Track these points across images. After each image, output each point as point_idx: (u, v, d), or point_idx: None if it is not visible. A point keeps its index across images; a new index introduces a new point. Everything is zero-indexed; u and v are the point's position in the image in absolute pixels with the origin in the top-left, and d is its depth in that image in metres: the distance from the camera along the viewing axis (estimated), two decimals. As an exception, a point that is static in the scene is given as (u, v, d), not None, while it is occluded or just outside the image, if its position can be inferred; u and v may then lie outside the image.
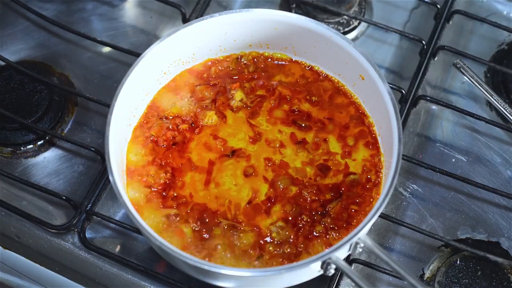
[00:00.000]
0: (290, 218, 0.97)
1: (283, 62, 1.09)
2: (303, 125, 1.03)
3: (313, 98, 1.06)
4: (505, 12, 1.28)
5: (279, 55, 1.09)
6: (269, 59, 1.09)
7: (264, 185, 1.00)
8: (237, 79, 1.07)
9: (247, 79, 1.07)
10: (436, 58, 1.20)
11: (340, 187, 0.99)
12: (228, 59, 1.09)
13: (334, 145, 1.02)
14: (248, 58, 1.09)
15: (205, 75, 1.08)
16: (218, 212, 0.97)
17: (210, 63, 1.08)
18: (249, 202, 0.98)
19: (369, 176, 1.00)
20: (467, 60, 1.17)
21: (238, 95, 1.05)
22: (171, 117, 1.04)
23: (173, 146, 1.01)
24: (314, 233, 0.96)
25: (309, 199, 0.98)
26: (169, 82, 1.06)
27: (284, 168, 1.01)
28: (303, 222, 0.96)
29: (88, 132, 1.15)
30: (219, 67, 1.08)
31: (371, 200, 0.98)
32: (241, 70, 1.08)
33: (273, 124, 1.04)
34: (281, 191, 0.99)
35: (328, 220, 0.96)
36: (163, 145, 1.01)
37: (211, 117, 1.03)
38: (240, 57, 1.09)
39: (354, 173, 1.00)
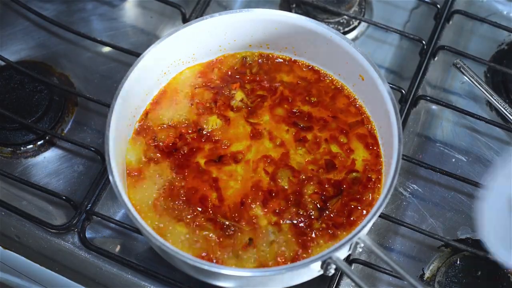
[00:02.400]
0: (289, 212, 0.97)
1: (284, 62, 1.09)
2: (303, 125, 1.03)
3: (312, 99, 1.05)
4: (505, 12, 1.28)
5: (279, 55, 1.09)
6: (272, 60, 1.09)
7: (265, 179, 0.99)
8: (238, 79, 1.07)
9: (248, 81, 1.07)
10: (436, 58, 1.20)
11: (342, 184, 0.99)
12: (232, 59, 1.09)
13: (334, 145, 1.02)
14: (254, 59, 1.09)
15: (206, 76, 1.07)
16: (218, 212, 0.97)
17: (212, 62, 1.08)
18: (245, 202, 0.98)
19: (369, 176, 1.00)
20: (467, 60, 1.17)
21: (238, 95, 1.05)
22: (171, 122, 1.03)
23: (174, 152, 1.01)
24: (314, 229, 0.96)
25: (309, 192, 0.98)
26: (170, 82, 1.06)
27: (285, 161, 1.01)
28: (302, 218, 0.96)
29: (88, 132, 1.15)
30: (222, 67, 1.08)
31: (372, 199, 0.98)
32: (244, 71, 1.08)
33: (275, 123, 1.04)
34: (281, 184, 0.99)
35: (328, 216, 0.96)
36: (163, 150, 1.01)
37: (214, 122, 1.03)
38: (245, 57, 1.08)
39: (357, 171, 1.00)
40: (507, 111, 1.13)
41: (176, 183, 0.99)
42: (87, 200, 1.07)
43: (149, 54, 1.01)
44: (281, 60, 1.09)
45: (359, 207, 0.97)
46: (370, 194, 0.98)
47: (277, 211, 0.97)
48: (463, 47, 1.22)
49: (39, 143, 1.14)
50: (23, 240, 1.07)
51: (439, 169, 1.09)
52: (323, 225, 0.96)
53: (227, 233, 0.96)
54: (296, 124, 1.04)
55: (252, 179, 1.00)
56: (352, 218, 0.96)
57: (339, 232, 0.96)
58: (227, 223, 0.96)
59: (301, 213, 0.97)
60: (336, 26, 1.23)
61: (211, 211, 0.97)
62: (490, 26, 1.22)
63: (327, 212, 0.97)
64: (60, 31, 1.22)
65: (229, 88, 1.06)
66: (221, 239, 0.95)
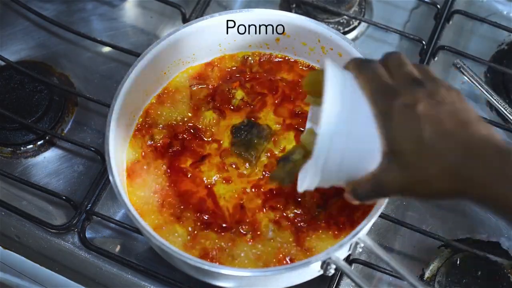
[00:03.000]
0: (289, 211, 0.97)
1: (285, 62, 1.09)
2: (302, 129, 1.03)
3: (313, 98, 1.05)
4: (505, 12, 1.28)
5: (279, 55, 1.09)
6: (273, 59, 1.09)
7: (265, 177, 0.99)
8: (238, 78, 1.07)
9: (249, 79, 1.07)
10: (436, 58, 1.20)
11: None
12: (233, 59, 1.08)
13: None
14: (255, 59, 1.08)
15: (206, 75, 1.07)
16: (218, 212, 0.97)
17: (213, 62, 1.08)
18: (244, 201, 0.98)
19: None
20: (467, 60, 1.17)
21: (238, 94, 1.05)
22: (171, 122, 1.03)
23: (174, 152, 1.01)
24: (314, 228, 0.95)
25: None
26: (170, 83, 1.06)
27: None
28: (302, 216, 0.96)
29: (88, 132, 1.15)
30: (222, 67, 1.08)
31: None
32: (244, 70, 1.08)
33: (276, 121, 1.04)
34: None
35: (329, 215, 0.96)
36: (163, 150, 1.01)
37: (210, 116, 1.03)
38: (246, 56, 1.08)
39: None
40: (507, 111, 1.13)
41: (175, 185, 0.99)
42: (87, 200, 1.07)
43: (149, 54, 1.01)
44: (282, 60, 1.09)
45: (360, 207, 0.97)
46: None
47: (277, 209, 0.97)
48: (463, 47, 1.22)
49: (39, 143, 1.14)
50: (23, 240, 1.07)
51: (439, 169, 1.09)
52: (323, 224, 0.96)
53: (226, 234, 0.95)
54: (298, 129, 1.03)
55: (252, 177, 0.99)
56: (352, 218, 0.96)
57: (339, 232, 0.95)
58: (225, 225, 0.96)
59: (301, 212, 0.97)
60: (336, 26, 1.23)
61: (210, 211, 0.97)
62: (490, 26, 1.22)
63: (327, 211, 0.97)
64: (60, 31, 1.22)
65: (229, 87, 1.06)
66: (220, 239, 0.95)
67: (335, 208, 0.97)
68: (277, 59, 1.09)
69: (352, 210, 0.97)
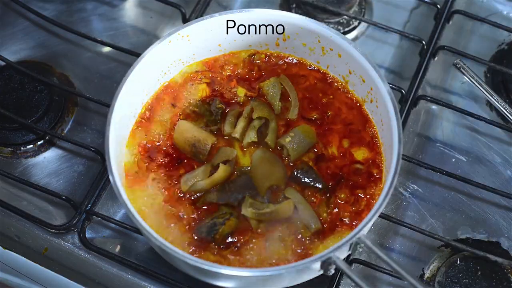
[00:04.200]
0: None
1: (285, 62, 1.09)
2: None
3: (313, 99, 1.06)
4: (505, 12, 1.28)
5: (280, 55, 1.09)
6: (274, 59, 1.09)
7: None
8: (237, 78, 1.07)
9: (252, 78, 1.07)
10: (436, 58, 1.20)
11: (342, 172, 0.99)
12: (233, 58, 1.08)
13: (333, 148, 1.02)
14: (260, 57, 1.08)
15: (206, 75, 1.07)
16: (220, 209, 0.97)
17: (213, 62, 1.08)
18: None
19: (371, 171, 0.99)
20: (467, 60, 1.17)
21: (240, 91, 1.05)
22: (170, 122, 1.03)
23: (173, 153, 1.01)
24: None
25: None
26: (170, 82, 1.06)
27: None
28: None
29: (88, 132, 1.15)
30: (224, 67, 1.08)
31: (374, 196, 0.98)
32: (245, 69, 1.08)
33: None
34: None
35: (333, 211, 0.96)
36: (162, 150, 1.01)
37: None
38: (252, 54, 1.08)
39: (362, 163, 1.00)
40: (507, 111, 1.13)
41: (175, 184, 0.99)
42: (87, 200, 1.07)
43: (149, 54, 1.01)
44: (282, 61, 1.09)
45: (364, 193, 0.97)
46: (372, 190, 0.98)
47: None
48: (463, 47, 1.22)
49: (39, 143, 1.14)
50: (23, 240, 1.07)
51: (439, 169, 1.09)
52: (328, 218, 0.96)
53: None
54: (304, 118, 1.04)
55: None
56: (359, 207, 0.96)
57: (340, 228, 0.96)
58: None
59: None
60: (336, 26, 1.23)
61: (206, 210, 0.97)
62: (490, 26, 1.22)
63: (334, 202, 0.97)
64: (60, 31, 1.22)
65: (229, 87, 1.06)
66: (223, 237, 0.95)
67: (343, 195, 0.97)
68: (277, 60, 1.09)
69: (358, 198, 0.97)
